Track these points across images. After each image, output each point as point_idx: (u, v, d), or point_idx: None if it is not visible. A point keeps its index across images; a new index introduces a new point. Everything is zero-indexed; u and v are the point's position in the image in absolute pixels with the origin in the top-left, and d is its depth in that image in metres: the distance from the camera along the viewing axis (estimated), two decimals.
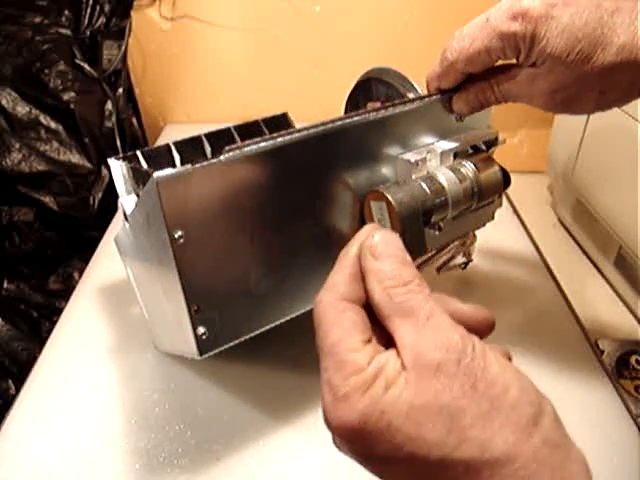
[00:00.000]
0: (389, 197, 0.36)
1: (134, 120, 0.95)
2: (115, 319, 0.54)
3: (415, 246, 0.38)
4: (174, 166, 0.45)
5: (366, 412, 0.22)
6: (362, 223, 0.40)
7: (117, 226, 0.70)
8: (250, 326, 0.37)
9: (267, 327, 0.38)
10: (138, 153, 0.46)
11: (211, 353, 0.36)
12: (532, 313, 0.55)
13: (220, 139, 0.48)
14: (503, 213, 0.44)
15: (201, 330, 0.35)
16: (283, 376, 0.47)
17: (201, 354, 0.35)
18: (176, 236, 0.32)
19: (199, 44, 0.92)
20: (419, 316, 0.23)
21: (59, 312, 0.56)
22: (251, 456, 0.41)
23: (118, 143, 0.89)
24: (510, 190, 0.77)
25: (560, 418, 0.23)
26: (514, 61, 0.36)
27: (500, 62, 0.37)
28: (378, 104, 0.47)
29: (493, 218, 0.45)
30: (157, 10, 0.90)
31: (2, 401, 0.72)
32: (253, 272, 0.36)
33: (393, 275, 0.25)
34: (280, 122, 0.50)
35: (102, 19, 0.87)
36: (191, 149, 0.47)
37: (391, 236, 0.26)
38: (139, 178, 0.44)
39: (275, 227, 0.36)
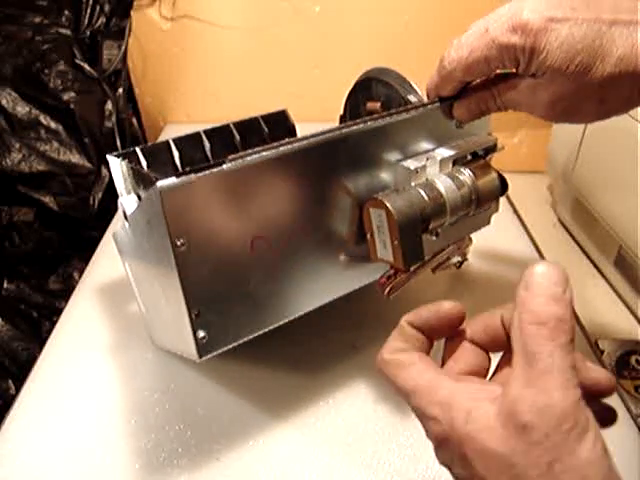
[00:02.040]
0: (388, 205, 0.36)
1: (134, 120, 0.95)
2: (115, 319, 0.54)
3: (413, 253, 0.38)
4: (173, 164, 0.45)
5: (445, 436, 0.24)
6: (361, 229, 0.40)
7: (117, 226, 0.70)
8: (249, 329, 0.37)
9: (266, 329, 0.38)
10: (137, 150, 0.46)
11: (210, 355, 0.36)
12: None
13: (219, 136, 0.48)
14: (503, 213, 0.44)
15: (201, 334, 0.35)
16: (284, 376, 0.48)
17: (200, 357, 0.36)
18: (178, 243, 0.32)
19: (199, 44, 0.92)
20: (535, 367, 0.21)
21: (59, 312, 0.56)
22: (251, 456, 0.41)
23: (118, 143, 0.89)
24: (510, 190, 0.77)
25: None
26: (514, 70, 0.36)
27: (499, 71, 0.37)
28: (378, 104, 0.47)
29: (489, 223, 0.45)
30: (157, 10, 0.90)
31: (2, 401, 0.72)
32: (253, 277, 0.36)
33: (532, 309, 0.22)
34: (279, 119, 0.50)
35: (102, 19, 0.87)
36: (190, 146, 0.47)
37: (554, 272, 0.23)
38: (139, 178, 0.44)
39: (275, 233, 0.36)
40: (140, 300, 0.47)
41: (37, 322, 0.83)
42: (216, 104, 0.98)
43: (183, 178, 0.31)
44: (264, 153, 0.33)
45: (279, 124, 0.50)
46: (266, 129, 0.49)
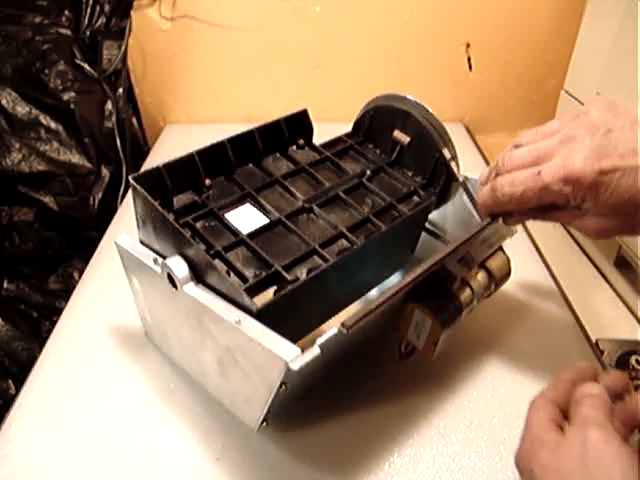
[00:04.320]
0: (437, 323, 0.40)
1: (134, 120, 0.95)
2: (115, 319, 0.54)
3: (442, 347, 0.42)
4: (196, 180, 0.43)
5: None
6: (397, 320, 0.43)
7: (117, 226, 0.70)
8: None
9: None
10: (161, 167, 0.41)
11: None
12: (532, 313, 0.55)
13: (243, 145, 0.46)
14: None
15: None
16: None
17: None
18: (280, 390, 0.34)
19: (199, 44, 0.92)
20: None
21: (59, 312, 0.56)
22: (251, 456, 0.41)
23: (118, 143, 0.89)
24: None
25: None
26: None
27: None
28: (407, 139, 0.48)
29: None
30: (157, 10, 0.90)
31: (2, 401, 0.72)
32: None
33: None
34: (300, 120, 0.49)
35: (102, 19, 0.87)
36: (214, 158, 0.44)
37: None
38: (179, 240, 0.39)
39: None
40: (145, 306, 0.47)
41: (37, 322, 0.83)
42: (216, 104, 0.98)
43: (308, 356, 0.32)
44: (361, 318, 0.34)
45: (300, 125, 0.49)
46: (287, 132, 0.49)
